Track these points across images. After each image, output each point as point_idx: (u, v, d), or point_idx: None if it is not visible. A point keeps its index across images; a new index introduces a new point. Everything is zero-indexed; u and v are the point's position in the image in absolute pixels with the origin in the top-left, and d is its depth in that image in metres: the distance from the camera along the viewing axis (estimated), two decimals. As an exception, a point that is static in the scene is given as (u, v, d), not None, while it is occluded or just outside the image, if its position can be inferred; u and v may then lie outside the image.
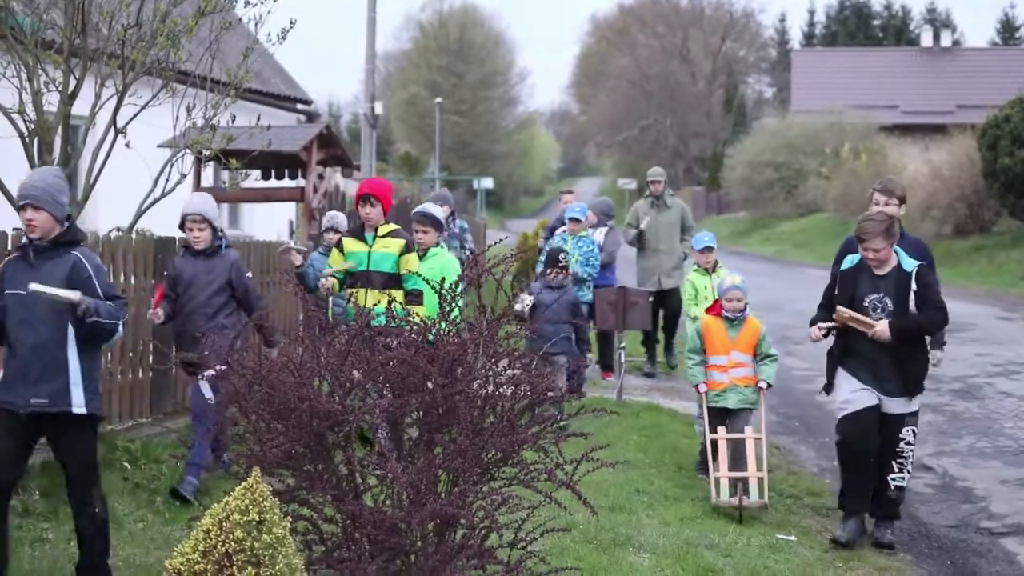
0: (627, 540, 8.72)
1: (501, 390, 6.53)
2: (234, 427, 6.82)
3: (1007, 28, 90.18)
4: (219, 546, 4.56)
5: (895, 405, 9.10)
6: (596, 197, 17.34)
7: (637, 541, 8.72)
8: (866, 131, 52.85)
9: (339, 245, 10.77)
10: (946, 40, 69.13)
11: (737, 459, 10.10)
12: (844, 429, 9.20)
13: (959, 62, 65.02)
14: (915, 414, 9.19)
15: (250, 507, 4.65)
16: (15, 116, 10.45)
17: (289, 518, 4.82)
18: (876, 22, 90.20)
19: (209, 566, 4.54)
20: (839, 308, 9.07)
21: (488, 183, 66.41)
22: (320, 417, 6.27)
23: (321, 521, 6.47)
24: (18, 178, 10.57)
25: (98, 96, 10.75)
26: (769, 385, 10.47)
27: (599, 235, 16.27)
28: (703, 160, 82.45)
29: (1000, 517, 10.04)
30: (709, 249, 13.32)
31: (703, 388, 10.45)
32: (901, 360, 9.01)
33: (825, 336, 9.38)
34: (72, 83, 10.67)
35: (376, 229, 10.53)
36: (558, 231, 15.59)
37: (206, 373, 9.32)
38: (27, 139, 10.58)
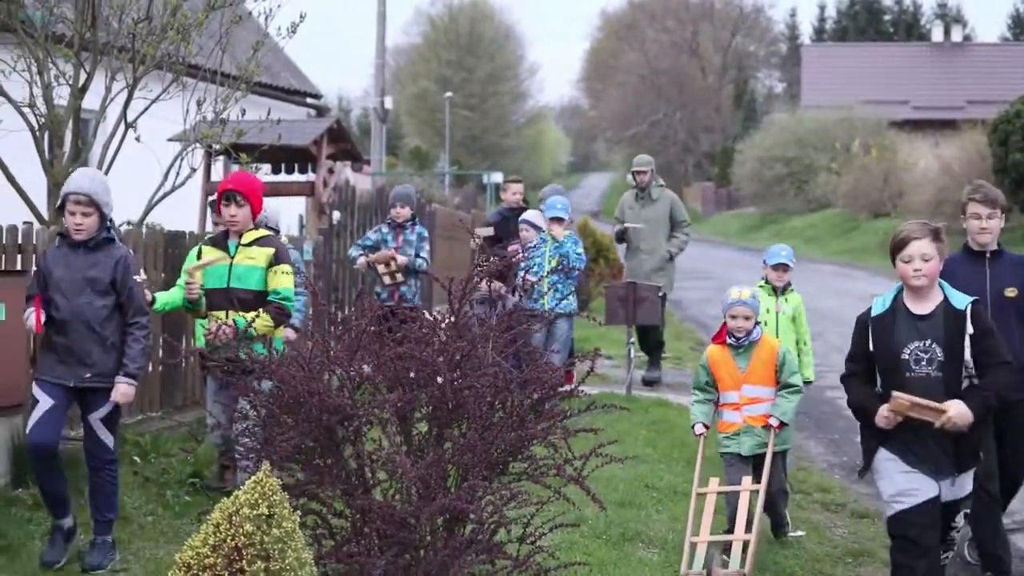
0: (636, 535, 8.71)
1: (511, 385, 6.53)
2: (244, 421, 6.83)
3: (1018, 23, 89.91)
4: (229, 540, 4.57)
5: (948, 490, 6.73)
6: (550, 185, 15.01)
7: (646, 536, 8.72)
8: (876, 126, 52.80)
9: (198, 253, 8.73)
10: (957, 35, 69.02)
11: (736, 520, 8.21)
12: (900, 531, 6.73)
13: (970, 57, 64.92)
14: (969, 495, 6.92)
15: (260, 501, 4.65)
16: (26, 110, 10.49)
17: (299, 512, 4.83)
18: (887, 17, 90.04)
19: (219, 560, 4.54)
20: (896, 396, 6.50)
21: (498, 177, 66.24)
22: (329, 411, 6.27)
23: (330, 515, 6.48)
24: (30, 171, 10.65)
25: (108, 90, 10.78)
26: (782, 423, 8.46)
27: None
28: (713, 155, 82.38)
29: (1011, 513, 9.99)
30: (784, 267, 10.40)
31: (699, 430, 8.51)
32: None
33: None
34: (82, 77, 10.71)
35: (240, 235, 8.56)
36: (531, 235, 12.80)
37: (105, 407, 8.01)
38: (38, 133, 10.62)
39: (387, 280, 12.88)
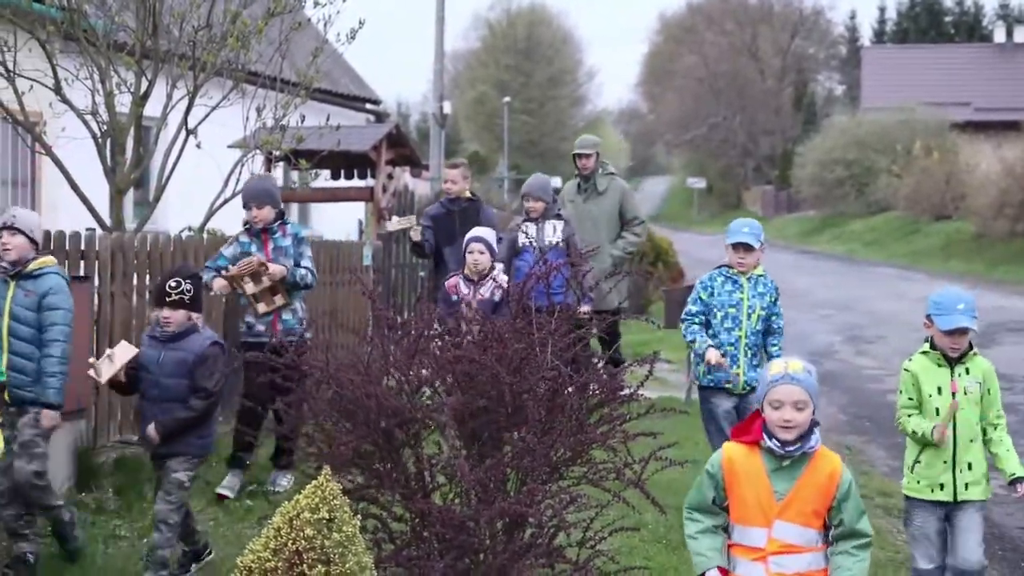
0: (696, 540, 8.66)
1: (570, 389, 6.52)
2: (303, 425, 6.86)
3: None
4: (289, 544, 4.59)
5: None
6: (535, 175, 12.03)
7: (706, 541, 8.67)
8: (938, 128, 52.36)
9: None
10: (1019, 36, 68.28)
11: None
12: None
13: (1033, 58, 64.27)
14: None
15: (320, 505, 4.67)
16: (88, 118, 10.58)
17: (359, 516, 4.84)
18: (948, 18, 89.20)
19: (280, 564, 4.56)
20: None
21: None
22: (388, 415, 6.29)
23: (390, 519, 6.49)
24: (92, 179, 10.75)
25: (169, 97, 10.86)
26: None
27: (552, 231, 11.41)
28: (773, 158, 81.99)
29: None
30: (962, 331, 6.93)
31: None
32: None
33: None
34: (144, 84, 10.80)
35: None
36: (485, 259, 9.60)
37: None
38: (100, 140, 10.71)
39: (262, 308, 9.58)
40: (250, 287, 9.45)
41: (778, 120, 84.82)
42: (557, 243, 11.18)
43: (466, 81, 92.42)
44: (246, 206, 9.77)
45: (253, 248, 9.68)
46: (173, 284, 7.31)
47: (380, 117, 30.56)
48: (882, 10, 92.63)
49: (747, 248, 8.79)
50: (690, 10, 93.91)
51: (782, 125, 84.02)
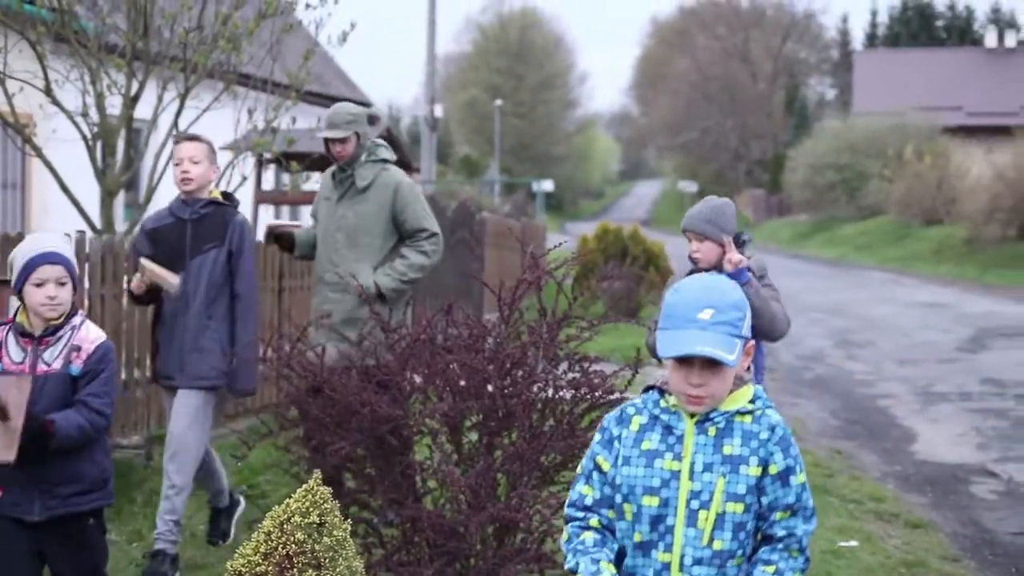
0: (687, 545, 8.65)
1: (561, 393, 6.51)
2: (295, 429, 6.84)
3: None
4: (280, 548, 4.56)
5: None
6: (709, 200, 7.55)
7: (697, 546, 8.66)
8: (929, 132, 52.46)
9: None
10: (1011, 40, 68.52)
11: None
12: None
13: (1024, 62, 64.46)
14: None
15: (311, 509, 4.65)
16: (79, 119, 10.57)
17: (349, 521, 4.82)
18: (939, 23, 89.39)
19: (270, 568, 4.54)
20: None
21: (548, 186, 66.31)
22: (380, 420, 6.27)
23: (381, 524, 6.48)
24: (82, 180, 10.73)
25: (160, 99, 10.85)
26: None
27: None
28: (764, 162, 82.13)
29: None
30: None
31: None
32: None
33: None
34: (135, 86, 10.78)
35: None
36: None
37: None
38: (90, 142, 10.69)
39: None
40: None
41: (770, 124, 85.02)
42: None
43: (457, 84, 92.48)
44: None
45: None
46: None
47: (372, 120, 30.62)
48: (874, 14, 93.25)
49: (708, 362, 3.68)
50: (682, 13, 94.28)
51: (774, 129, 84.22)
